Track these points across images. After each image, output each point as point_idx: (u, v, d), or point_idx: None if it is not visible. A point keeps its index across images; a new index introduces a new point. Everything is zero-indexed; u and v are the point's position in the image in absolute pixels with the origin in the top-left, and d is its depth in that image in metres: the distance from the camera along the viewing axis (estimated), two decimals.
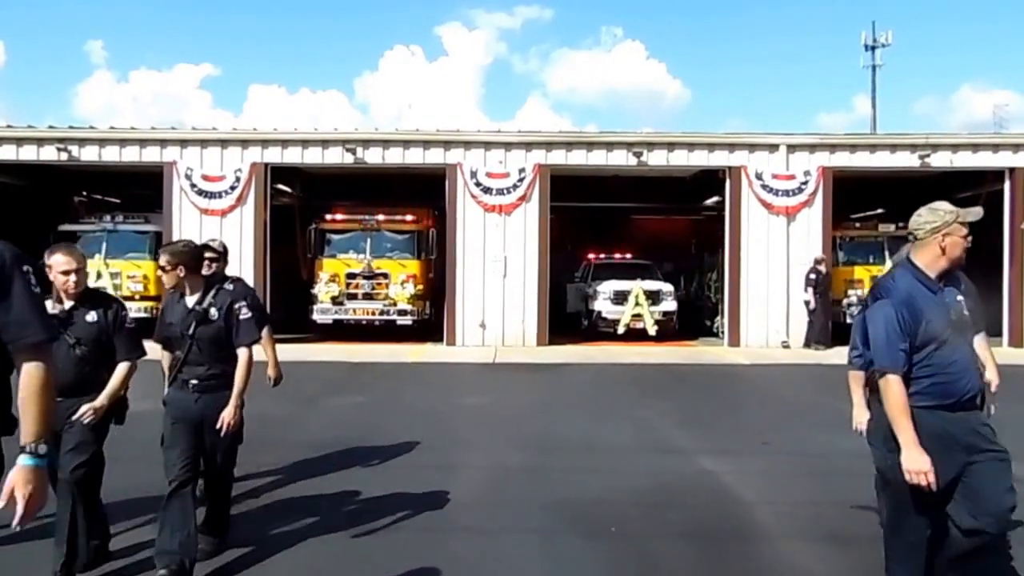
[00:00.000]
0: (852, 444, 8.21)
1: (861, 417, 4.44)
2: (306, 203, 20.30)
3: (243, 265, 16.89)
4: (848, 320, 17.55)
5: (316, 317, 17.37)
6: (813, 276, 16.62)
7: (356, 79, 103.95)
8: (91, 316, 4.70)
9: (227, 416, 4.72)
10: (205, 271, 5.50)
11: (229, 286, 5.48)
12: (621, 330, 17.82)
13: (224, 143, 17.26)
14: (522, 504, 6.24)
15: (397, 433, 8.85)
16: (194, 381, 4.79)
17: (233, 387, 4.81)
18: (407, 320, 17.39)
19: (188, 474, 4.69)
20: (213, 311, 4.83)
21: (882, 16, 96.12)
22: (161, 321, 5.05)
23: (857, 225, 19.36)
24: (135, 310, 16.87)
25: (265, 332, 6.21)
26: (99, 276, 17.02)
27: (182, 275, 4.81)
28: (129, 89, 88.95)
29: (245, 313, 4.89)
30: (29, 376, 2.51)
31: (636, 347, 16.89)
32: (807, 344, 16.75)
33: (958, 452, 3.78)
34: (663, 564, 5.10)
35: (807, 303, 16.71)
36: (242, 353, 4.88)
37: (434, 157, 17.33)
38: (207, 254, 5.77)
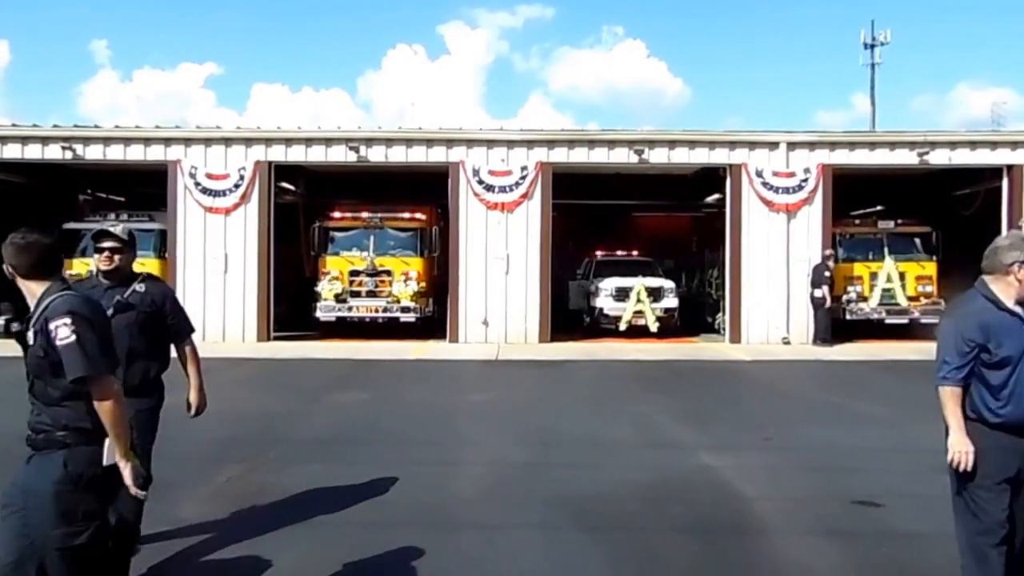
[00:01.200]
0: (852, 440, 8.34)
1: (964, 445, 3.82)
2: (310, 201, 20.38)
3: (247, 263, 17.02)
4: (847, 316, 17.63)
5: (320, 315, 17.41)
6: (827, 273, 16.65)
7: (359, 78, 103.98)
8: None
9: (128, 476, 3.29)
10: (104, 265, 4.67)
11: (140, 287, 4.74)
12: (623, 327, 17.88)
13: (228, 142, 17.33)
14: (524, 499, 6.31)
15: (400, 429, 8.95)
16: (28, 431, 3.36)
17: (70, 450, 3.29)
18: (410, 317, 17.43)
19: None
20: (31, 333, 3.30)
21: (881, 15, 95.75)
22: None
23: (857, 222, 19.41)
24: None
25: (188, 348, 5.02)
26: None
27: (14, 278, 3.41)
28: (133, 88, 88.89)
29: (64, 336, 3.18)
30: None
31: (638, 344, 16.96)
32: (815, 340, 16.76)
33: None
34: (664, 558, 5.17)
35: (821, 299, 16.57)
36: (96, 403, 3.24)
37: (437, 155, 17.39)
38: (105, 244, 4.70)
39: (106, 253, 4.67)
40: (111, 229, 4.80)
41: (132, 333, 4.63)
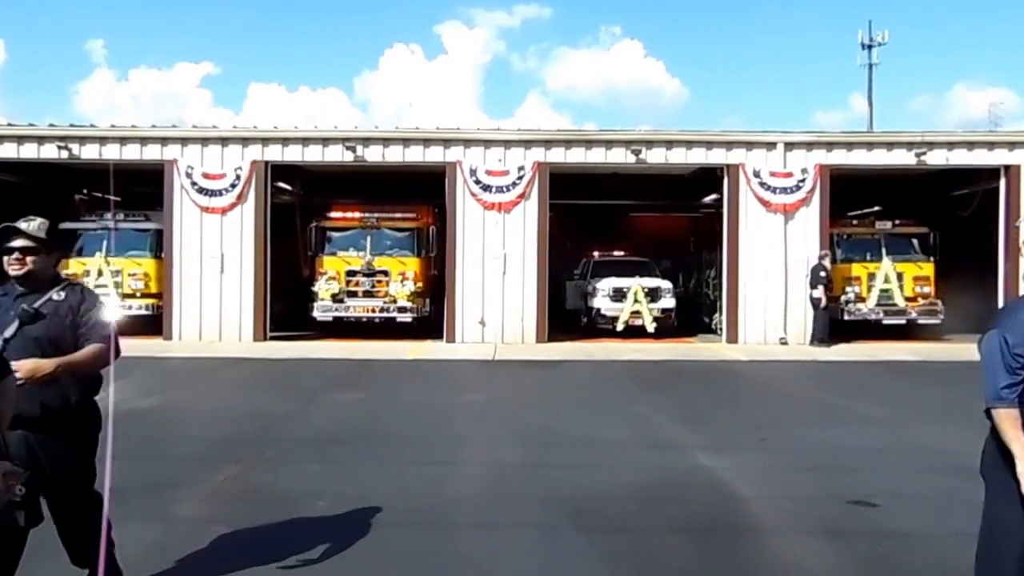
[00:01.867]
0: (849, 440, 8.35)
1: None
2: (306, 201, 20.37)
3: (243, 263, 17.00)
4: (845, 317, 17.64)
5: (317, 314, 17.41)
6: (823, 274, 16.67)
7: (356, 77, 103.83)
8: None
9: None
10: (14, 270, 3.80)
11: (59, 294, 3.85)
12: (620, 327, 17.89)
13: (224, 141, 17.31)
14: (521, 499, 6.31)
15: (397, 429, 8.94)
16: None
17: None
18: (407, 317, 17.44)
19: None
20: None
21: (878, 15, 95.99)
22: None
23: (854, 222, 19.41)
24: (136, 308, 17.02)
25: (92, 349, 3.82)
26: (100, 274, 17.07)
27: None
28: (129, 88, 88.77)
29: None
30: None
31: (635, 344, 16.96)
32: (812, 340, 16.76)
33: None
34: (661, 558, 5.16)
35: (818, 299, 16.60)
36: None
37: (434, 155, 17.38)
38: (14, 243, 3.80)
39: (15, 255, 3.77)
40: (21, 226, 3.82)
41: (42, 348, 3.72)
